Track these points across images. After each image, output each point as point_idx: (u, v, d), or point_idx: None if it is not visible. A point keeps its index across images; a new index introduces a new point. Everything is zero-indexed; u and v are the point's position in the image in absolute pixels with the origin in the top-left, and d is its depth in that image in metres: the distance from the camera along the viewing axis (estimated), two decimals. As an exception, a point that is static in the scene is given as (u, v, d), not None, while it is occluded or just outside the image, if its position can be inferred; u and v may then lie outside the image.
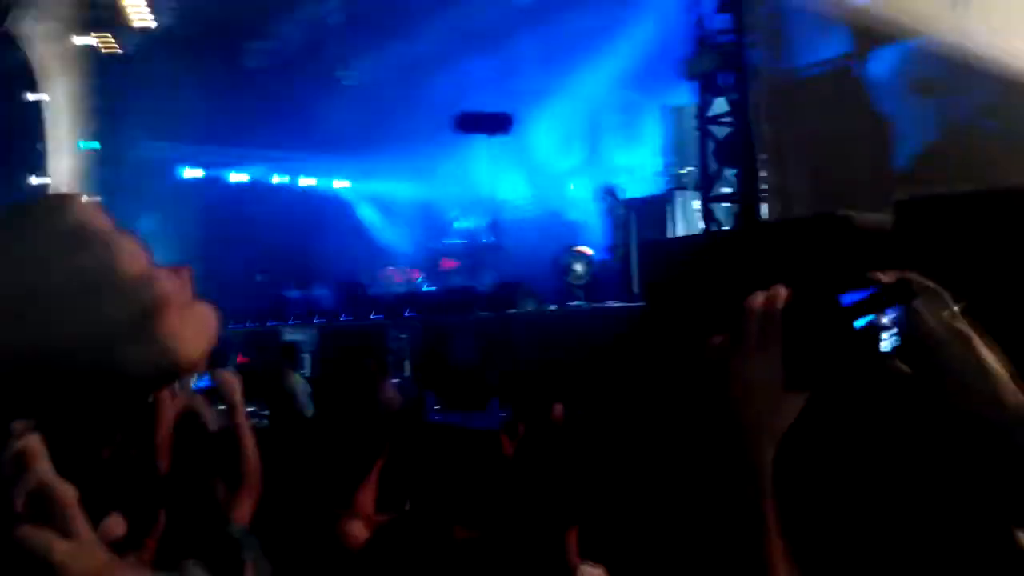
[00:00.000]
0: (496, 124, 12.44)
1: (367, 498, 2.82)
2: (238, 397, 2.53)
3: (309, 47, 14.59)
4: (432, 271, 14.49)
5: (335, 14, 13.49)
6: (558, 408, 3.19)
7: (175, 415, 2.63)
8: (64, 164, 14.58)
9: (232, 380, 2.55)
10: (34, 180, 14.98)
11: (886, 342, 0.90)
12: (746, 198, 7.74)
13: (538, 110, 14.48)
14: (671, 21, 11.19)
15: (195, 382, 3.14)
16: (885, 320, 0.90)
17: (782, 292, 0.96)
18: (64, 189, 14.44)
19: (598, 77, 13.55)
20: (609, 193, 11.16)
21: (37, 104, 14.52)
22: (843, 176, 7.27)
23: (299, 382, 6.33)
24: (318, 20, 13.84)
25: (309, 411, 5.85)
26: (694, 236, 8.86)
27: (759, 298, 0.95)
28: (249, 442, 2.50)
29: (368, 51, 15.74)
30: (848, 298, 0.91)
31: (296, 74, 15.45)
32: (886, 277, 0.95)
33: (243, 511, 2.42)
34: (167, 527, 2.07)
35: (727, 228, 8.06)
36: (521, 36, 14.29)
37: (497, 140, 12.97)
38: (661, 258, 7.35)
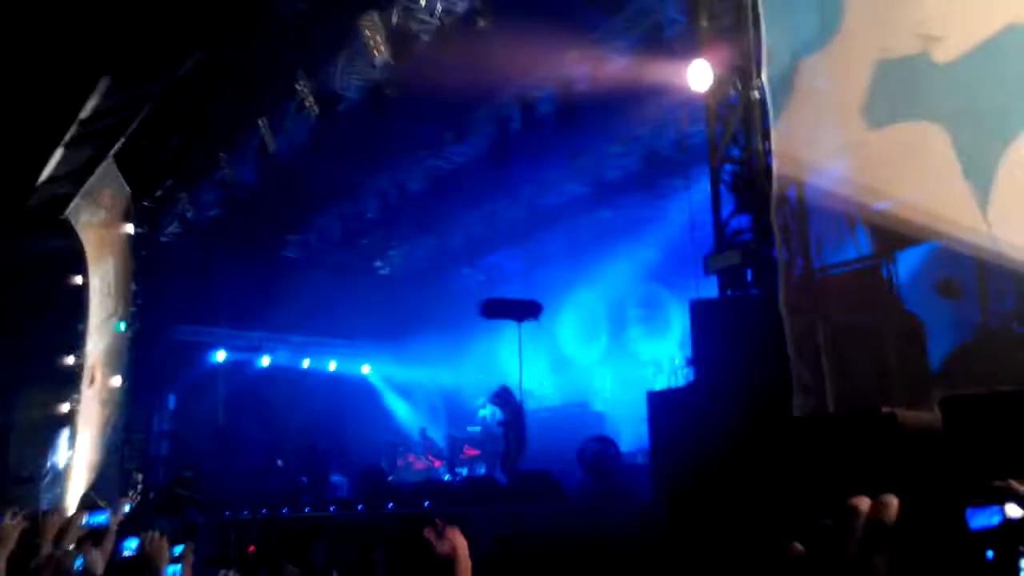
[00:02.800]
0: (523, 311, 12.59)
1: None
2: (161, 564, 2.36)
3: (346, 239, 15.22)
4: (455, 459, 14.18)
5: (372, 211, 14.19)
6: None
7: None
8: (96, 344, 14.88)
9: (160, 546, 2.39)
10: (69, 360, 15.27)
11: None
12: (774, 391, 7.57)
13: (563, 302, 14.75)
14: (694, 218, 11.63)
15: (121, 547, 2.96)
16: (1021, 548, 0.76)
17: (894, 501, 0.83)
18: (93, 368, 14.65)
19: (621, 271, 13.87)
20: (500, 396, 11.57)
21: (79, 287, 15.09)
22: (873, 373, 7.12)
23: (293, 573, 6.06)
24: (355, 215, 14.53)
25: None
26: (721, 429, 8.61)
27: (865, 503, 0.85)
28: None
29: (399, 243, 16.43)
30: (976, 518, 0.78)
31: (331, 264, 16.05)
32: (1015, 490, 0.82)
33: None
34: None
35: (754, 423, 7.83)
36: (547, 232, 14.87)
37: (523, 330, 13.09)
38: (686, 453, 7.12)
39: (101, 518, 4.64)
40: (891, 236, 6.82)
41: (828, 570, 0.81)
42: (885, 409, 5.43)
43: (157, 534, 2.84)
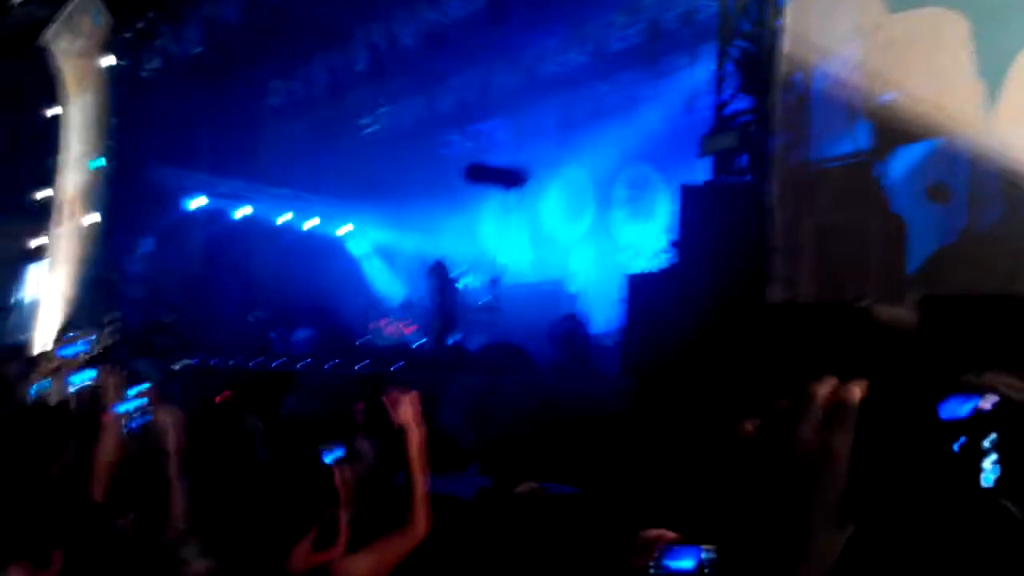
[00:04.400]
0: (509, 178, 12.36)
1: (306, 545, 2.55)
2: (172, 444, 2.29)
3: (332, 92, 14.69)
4: (426, 326, 14.25)
5: (362, 63, 13.62)
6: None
7: (117, 445, 2.47)
8: (72, 179, 14.54)
9: (167, 424, 2.31)
10: (40, 194, 14.95)
11: (988, 473, 0.70)
12: (751, 280, 7.53)
13: (550, 176, 14.49)
14: (691, 100, 11.27)
15: (132, 421, 2.91)
16: (986, 443, 0.70)
17: (858, 386, 0.75)
18: (68, 203, 14.36)
19: (613, 149, 13.57)
20: (437, 270, 11.77)
21: (54, 118, 14.58)
22: (853, 271, 7.09)
23: (255, 422, 6.06)
24: (344, 67, 13.97)
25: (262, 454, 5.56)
26: (696, 314, 8.62)
27: (826, 385, 0.77)
28: (177, 495, 2.24)
29: (390, 102, 15.90)
30: (946, 408, 0.71)
31: (316, 117, 15.56)
32: (992, 384, 0.75)
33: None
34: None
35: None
36: (540, 103, 14.43)
37: (506, 202, 12.89)
38: (658, 334, 7.13)
39: (72, 350, 4.56)
40: (891, 132, 6.62)
41: (779, 451, 0.76)
42: (862, 301, 5.40)
43: (110, 367, 2.75)
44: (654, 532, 1.43)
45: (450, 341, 11.76)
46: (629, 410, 6.69)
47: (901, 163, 6.88)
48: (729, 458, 0.79)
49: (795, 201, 7.46)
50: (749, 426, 0.79)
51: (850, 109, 7.15)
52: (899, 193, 7.16)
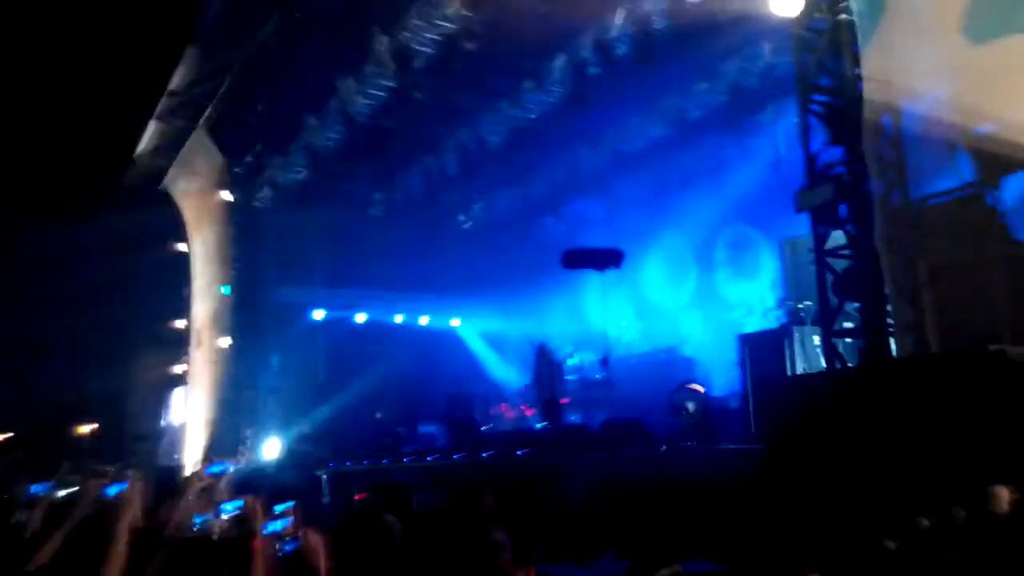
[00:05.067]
0: (604, 260, 12.50)
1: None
2: (322, 561, 2.46)
3: (428, 195, 15.38)
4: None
5: (453, 165, 14.26)
6: None
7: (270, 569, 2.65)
8: (203, 307, 15.61)
9: (316, 542, 2.50)
10: (177, 324, 16.10)
11: None
12: (872, 333, 7.30)
13: (647, 247, 14.54)
14: (778, 155, 11.20)
15: (284, 544, 3.13)
16: None
17: (1004, 494, 0.78)
18: (202, 330, 15.42)
19: (707, 212, 13.55)
20: (540, 352, 11.95)
21: (183, 254, 15.82)
22: (978, 308, 6.78)
23: (394, 522, 6.23)
24: (437, 170, 14.64)
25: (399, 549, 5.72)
26: (817, 374, 8.37)
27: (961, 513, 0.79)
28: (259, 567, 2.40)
29: (481, 197, 16.50)
30: None
31: (415, 220, 16.28)
32: None
33: None
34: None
35: (852, 365, 7.58)
36: (630, 178, 14.62)
37: (608, 277, 13.00)
38: (780, 396, 6.98)
39: (219, 468, 4.94)
40: (995, 161, 6.41)
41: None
42: (993, 347, 5.15)
43: (251, 497, 2.99)
44: None
45: (562, 420, 11.83)
46: (761, 477, 6.51)
47: (1011, 191, 6.63)
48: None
49: (904, 244, 7.24)
50: (891, 545, 0.82)
51: (948, 144, 6.98)
52: (1016, 222, 6.86)
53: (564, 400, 13.58)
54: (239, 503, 4.00)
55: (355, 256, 15.64)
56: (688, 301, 14.71)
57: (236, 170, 14.64)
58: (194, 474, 4.50)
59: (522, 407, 14.84)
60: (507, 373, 16.84)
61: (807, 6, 7.70)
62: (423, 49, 10.67)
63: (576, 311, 15.41)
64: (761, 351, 9.51)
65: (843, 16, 7.49)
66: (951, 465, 4.63)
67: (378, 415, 15.22)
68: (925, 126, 7.02)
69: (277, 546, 3.52)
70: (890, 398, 5.62)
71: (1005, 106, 6.20)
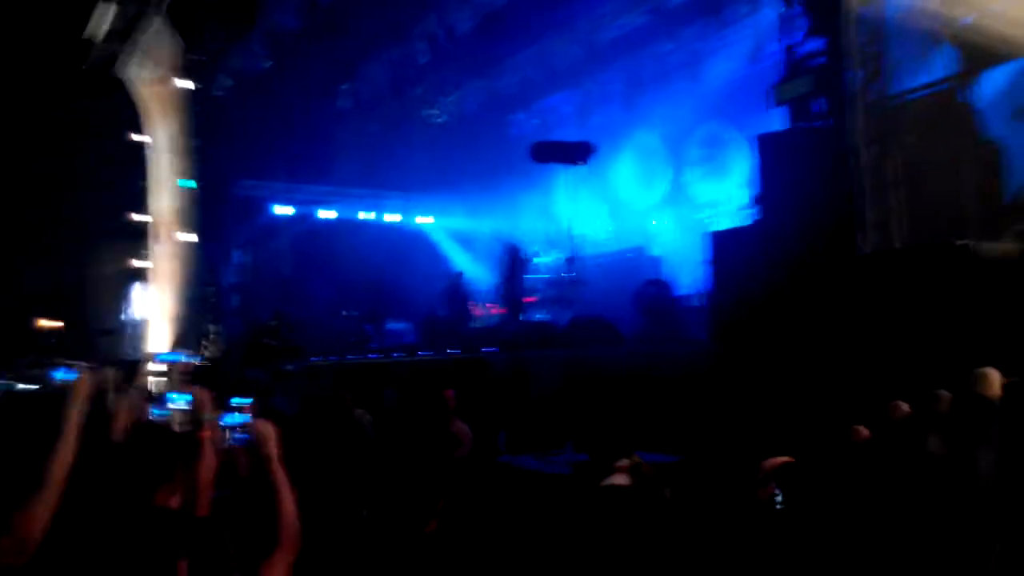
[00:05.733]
0: (574, 153, 12.26)
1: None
2: (272, 449, 2.34)
3: (396, 87, 14.86)
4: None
5: (421, 55, 13.71)
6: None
7: (217, 461, 2.56)
8: (165, 201, 15.19)
9: (266, 431, 2.37)
10: (136, 216, 15.68)
11: None
12: (840, 228, 7.23)
13: (620, 144, 14.28)
14: (756, 49, 10.87)
15: (234, 435, 3.03)
16: None
17: (995, 376, 0.64)
18: (163, 224, 15.05)
19: (682, 108, 13.26)
20: (506, 251, 12.00)
21: (140, 144, 15.24)
22: (946, 206, 6.73)
23: (363, 414, 6.23)
24: (405, 61, 14.09)
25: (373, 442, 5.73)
26: (779, 268, 8.34)
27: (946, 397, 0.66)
28: (286, 499, 2.29)
29: (452, 90, 15.98)
30: None
31: (383, 113, 15.78)
32: None
33: (277, 571, 2.19)
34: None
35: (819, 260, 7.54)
36: (602, 71, 14.19)
37: (578, 174, 12.77)
38: (746, 294, 6.95)
39: (171, 357, 4.82)
40: (976, 54, 6.22)
41: (903, 467, 0.65)
42: (959, 241, 5.09)
43: (199, 388, 2.88)
44: (777, 460, 1.38)
45: (522, 318, 11.92)
46: (719, 374, 6.55)
47: (989, 86, 6.47)
48: (843, 465, 0.69)
49: (880, 139, 7.12)
50: (864, 431, 0.69)
51: (930, 36, 6.76)
52: (990, 118, 6.74)
53: (531, 299, 13.58)
54: (188, 396, 3.91)
55: (319, 150, 15.21)
56: (659, 201, 14.58)
57: (194, 56, 13.98)
58: (142, 358, 4.39)
59: (489, 306, 14.82)
60: (476, 271, 16.76)
61: None
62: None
63: (546, 210, 15.22)
64: (731, 248, 9.45)
65: None
66: (917, 361, 4.62)
67: (344, 313, 15.15)
68: (908, 16, 6.77)
69: (227, 436, 3.43)
70: (853, 293, 5.60)
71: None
